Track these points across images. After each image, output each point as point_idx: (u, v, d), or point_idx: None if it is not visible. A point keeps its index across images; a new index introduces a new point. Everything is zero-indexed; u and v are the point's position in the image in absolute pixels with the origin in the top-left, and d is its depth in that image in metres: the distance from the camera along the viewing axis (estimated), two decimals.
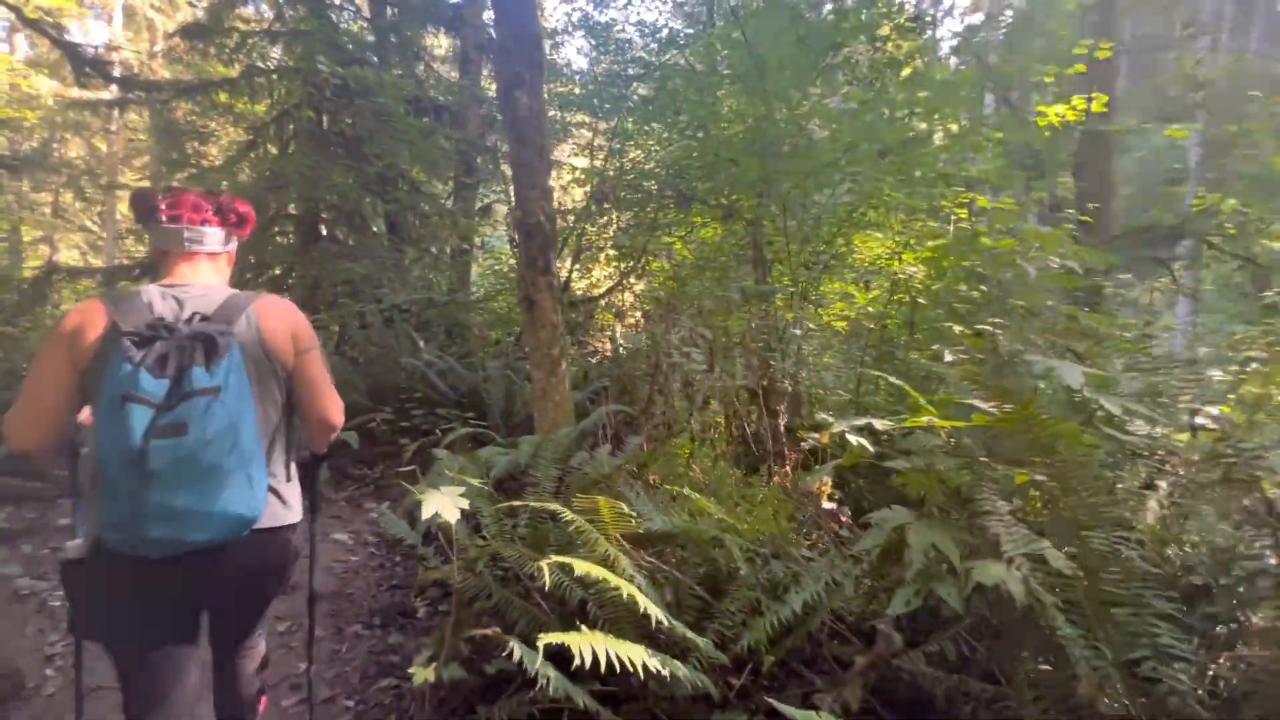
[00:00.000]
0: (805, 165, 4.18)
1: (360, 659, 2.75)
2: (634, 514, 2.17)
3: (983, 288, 3.38)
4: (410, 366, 5.34)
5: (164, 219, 1.45)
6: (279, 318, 1.44)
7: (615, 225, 7.07)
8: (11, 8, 8.49)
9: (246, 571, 1.42)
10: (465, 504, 1.75)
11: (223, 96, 7.47)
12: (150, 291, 1.38)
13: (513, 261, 7.36)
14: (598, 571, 1.72)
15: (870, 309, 4.50)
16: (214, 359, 1.27)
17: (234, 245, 1.58)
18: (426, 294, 6.26)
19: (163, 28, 12.09)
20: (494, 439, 4.03)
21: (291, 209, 7.36)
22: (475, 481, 2.40)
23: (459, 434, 4.04)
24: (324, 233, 7.48)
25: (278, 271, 7.31)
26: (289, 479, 1.53)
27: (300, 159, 6.02)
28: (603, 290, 7.64)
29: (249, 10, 8.62)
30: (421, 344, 5.57)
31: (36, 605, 3.10)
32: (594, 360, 6.09)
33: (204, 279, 1.47)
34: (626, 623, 1.98)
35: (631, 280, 7.00)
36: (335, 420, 1.56)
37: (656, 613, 1.68)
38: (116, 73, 8.48)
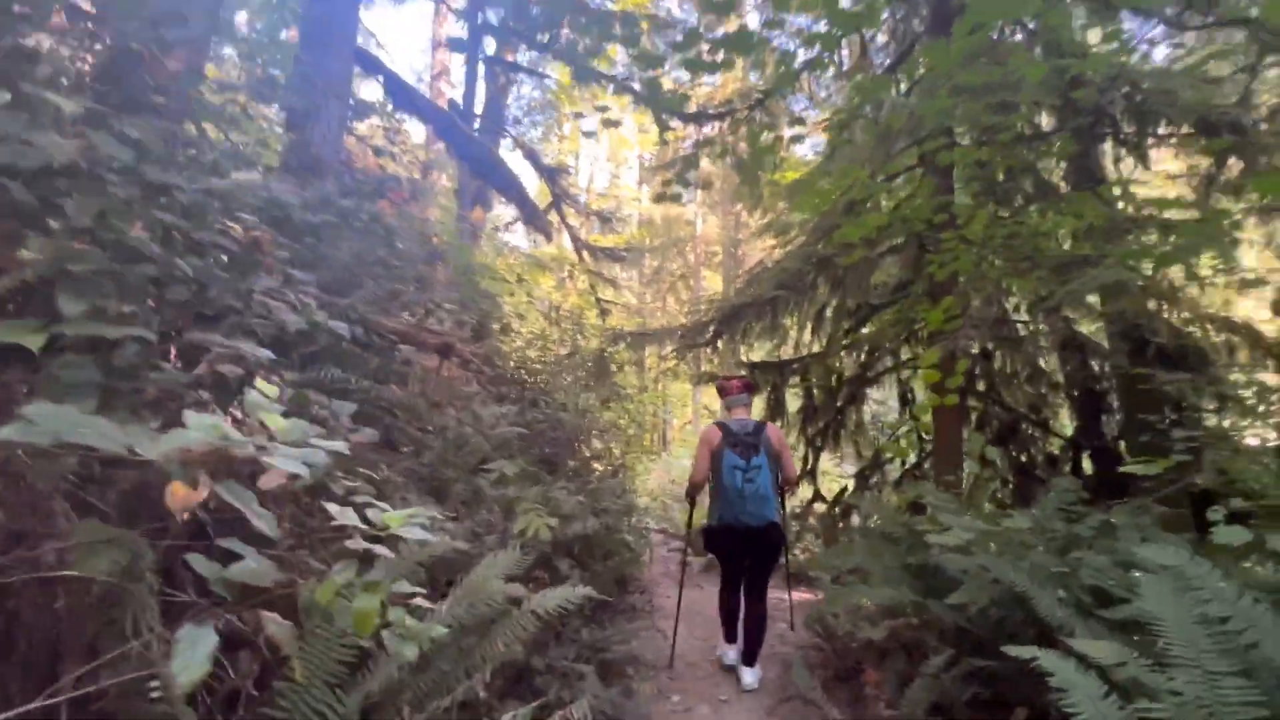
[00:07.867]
0: None
1: None
2: None
3: None
4: None
5: (731, 393, 3.65)
6: (775, 433, 3.55)
7: None
8: None
9: (768, 540, 3.40)
10: None
11: None
12: (729, 420, 3.54)
13: None
14: None
15: None
16: (757, 451, 3.39)
17: (753, 398, 3.89)
18: None
19: None
20: None
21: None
22: None
23: None
24: None
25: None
26: (780, 504, 3.63)
27: None
28: None
29: None
30: None
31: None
32: None
33: (745, 415, 3.63)
34: None
35: None
36: (793, 478, 3.87)
37: None
38: None
